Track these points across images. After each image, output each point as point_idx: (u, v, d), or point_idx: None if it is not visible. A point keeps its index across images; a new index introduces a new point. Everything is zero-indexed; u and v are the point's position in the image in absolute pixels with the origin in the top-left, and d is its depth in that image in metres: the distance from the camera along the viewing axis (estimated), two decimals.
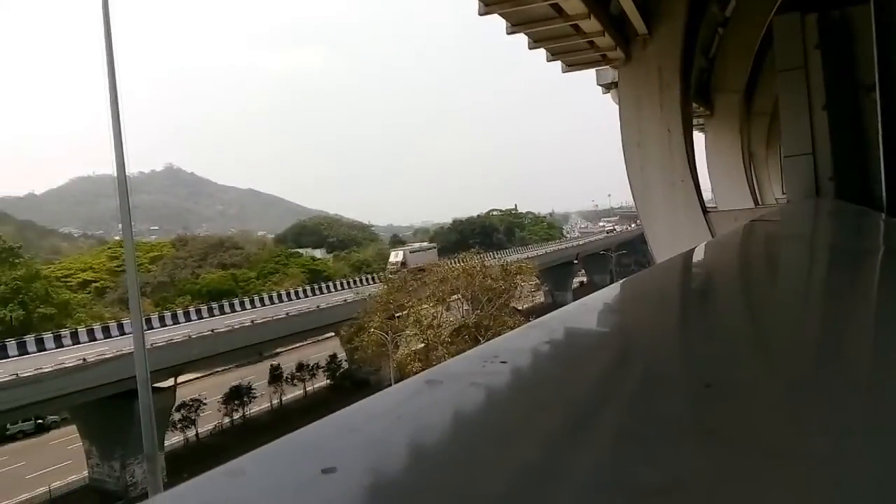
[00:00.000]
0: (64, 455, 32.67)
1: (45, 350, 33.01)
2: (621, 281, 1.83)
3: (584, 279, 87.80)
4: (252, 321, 38.41)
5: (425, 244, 74.69)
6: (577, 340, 1.29)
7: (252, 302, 46.84)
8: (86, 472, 31.03)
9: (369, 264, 79.91)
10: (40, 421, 37.77)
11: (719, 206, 19.59)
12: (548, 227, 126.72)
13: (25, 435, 37.48)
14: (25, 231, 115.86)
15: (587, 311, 1.57)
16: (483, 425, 0.83)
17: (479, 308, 36.25)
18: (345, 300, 44.21)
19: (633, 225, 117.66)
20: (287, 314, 40.88)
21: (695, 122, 18.01)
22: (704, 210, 12.62)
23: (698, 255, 2.50)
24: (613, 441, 0.72)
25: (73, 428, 33.26)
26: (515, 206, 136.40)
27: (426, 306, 35.92)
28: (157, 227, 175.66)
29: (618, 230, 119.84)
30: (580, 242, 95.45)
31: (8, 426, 35.89)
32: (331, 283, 55.82)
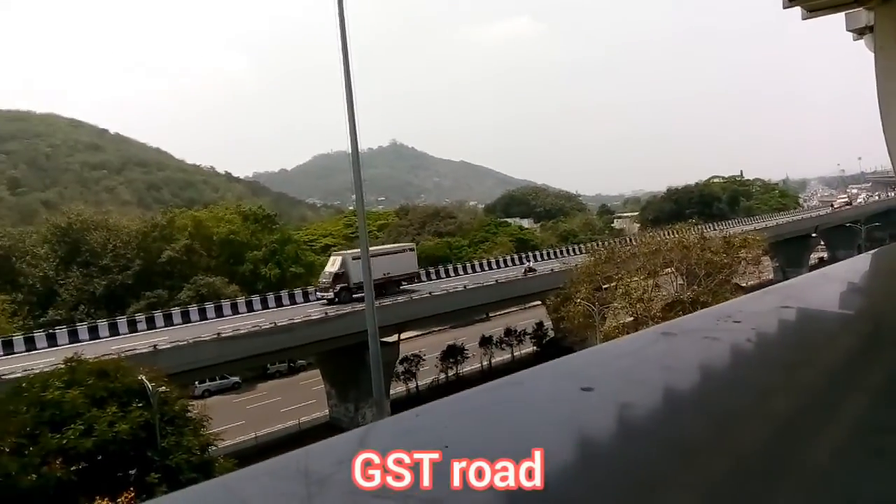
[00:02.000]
0: (309, 395, 38.08)
1: (295, 304, 38.63)
2: (874, 251, 1.75)
3: (825, 255, 77.08)
4: (465, 286, 40.68)
5: (390, 246, 47.46)
6: (815, 313, 1.32)
7: (464, 268, 49.42)
8: (326, 411, 35.91)
9: (576, 234, 79.10)
10: (292, 364, 44.61)
11: None
12: (780, 196, 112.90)
13: (281, 375, 44.53)
14: (280, 202, 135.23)
15: (828, 280, 1.53)
16: (709, 371, 1.00)
17: (696, 283, 34.02)
18: (551, 270, 44.57)
19: (891, 193, 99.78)
20: (496, 281, 42.52)
21: None
22: None
23: None
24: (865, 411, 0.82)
25: (316, 372, 38.61)
26: (741, 172, 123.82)
27: (636, 279, 34.70)
28: (383, 198, 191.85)
29: (862, 200, 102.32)
30: (820, 213, 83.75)
31: (268, 366, 43.05)
32: (538, 253, 56.50)
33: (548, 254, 56.00)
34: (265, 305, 37.76)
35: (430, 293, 38.59)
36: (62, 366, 19.16)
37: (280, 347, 32.24)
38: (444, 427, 0.79)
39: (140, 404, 18.01)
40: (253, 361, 35.25)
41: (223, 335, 29.74)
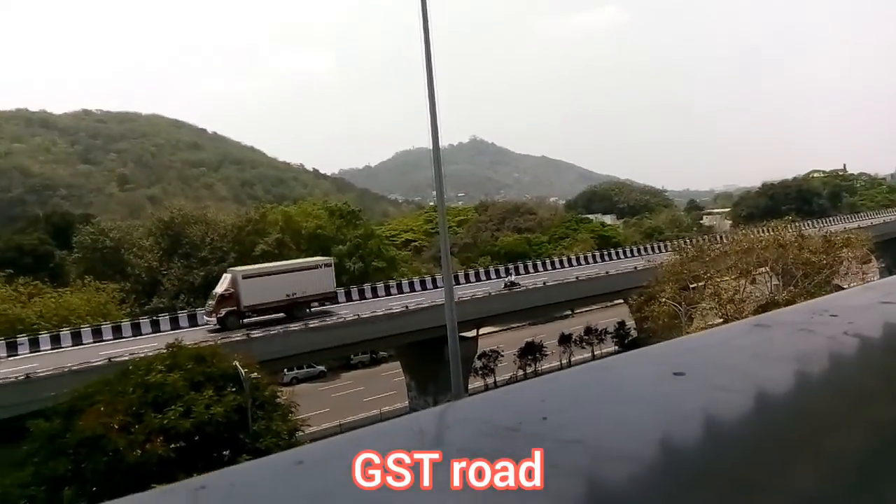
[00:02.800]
0: (390, 386, 38.97)
1: (377, 297, 39.64)
2: None
3: None
4: (544, 283, 40.29)
5: (300, 261, 38.05)
6: None
7: (543, 265, 48.92)
8: (406, 402, 36.65)
9: (661, 231, 76.41)
10: (374, 355, 45.81)
11: None
12: (888, 192, 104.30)
13: (364, 365, 45.83)
14: (363, 197, 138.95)
15: None
16: (803, 365, 0.98)
17: (793, 284, 32.08)
18: (635, 268, 43.32)
19: None
20: (577, 278, 41.83)
21: None
22: None
23: None
24: None
25: (397, 363, 39.45)
26: (844, 166, 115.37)
27: (726, 278, 33.15)
28: (463, 194, 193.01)
29: None
30: None
31: (352, 357, 44.42)
32: (620, 250, 55.06)
33: (631, 251, 54.45)
34: (349, 298, 38.94)
35: (508, 290, 38.46)
36: (164, 351, 20.59)
37: (362, 339, 33.23)
38: (542, 401, 0.85)
39: (234, 389, 19.08)
40: (337, 352, 36.48)
41: (310, 325, 30.97)
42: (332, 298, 35.21)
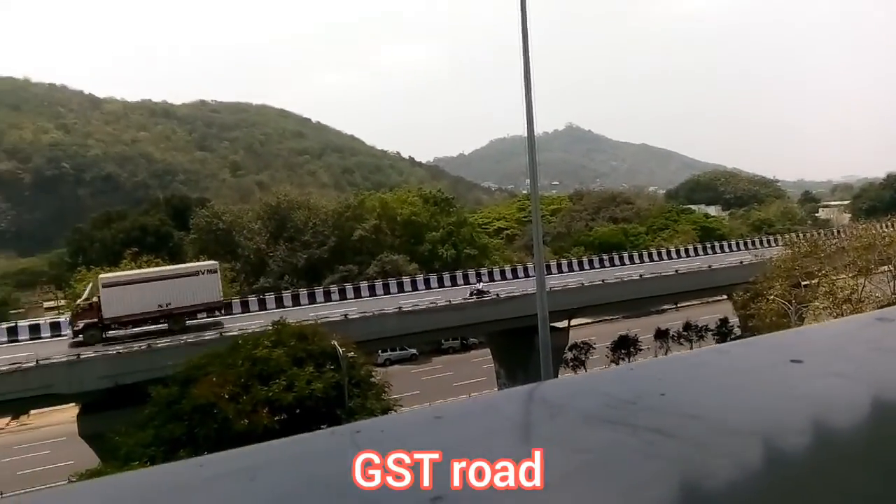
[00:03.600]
0: (480, 372, 39.32)
1: (469, 283, 39.84)
2: None
3: None
4: (640, 276, 39.02)
5: (178, 266, 33.58)
6: None
7: (640, 256, 47.36)
8: (495, 389, 36.90)
9: (771, 224, 71.75)
10: (464, 341, 46.37)
11: None
12: None
13: (454, 351, 46.52)
14: (457, 185, 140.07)
15: None
16: None
17: None
18: (740, 262, 40.98)
19: None
20: (676, 272, 40.17)
21: None
22: None
23: None
24: None
25: (487, 350, 39.71)
26: None
27: (843, 276, 30.71)
28: (557, 183, 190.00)
29: None
30: None
31: (442, 342, 45.20)
32: (725, 243, 52.28)
33: (737, 244, 51.54)
34: (441, 284, 39.55)
35: (602, 281, 37.58)
36: (270, 328, 21.89)
37: (453, 325, 33.74)
38: (660, 379, 0.92)
39: (332, 367, 19.99)
40: (428, 336, 37.23)
41: (404, 309, 31.81)
42: (218, 308, 30.88)
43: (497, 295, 34.09)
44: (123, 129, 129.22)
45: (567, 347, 36.67)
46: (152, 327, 29.05)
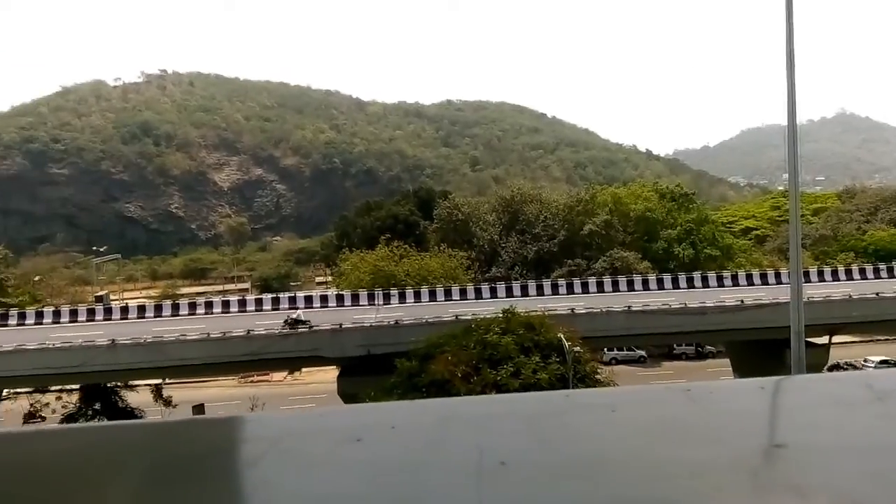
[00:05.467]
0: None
1: (707, 287, 37.11)
2: None
3: None
4: None
5: None
6: None
7: None
8: None
9: None
10: (700, 348, 43.24)
11: None
12: None
13: (687, 357, 43.64)
14: (699, 179, 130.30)
15: None
16: None
17: None
18: None
19: None
20: None
21: None
22: None
23: None
24: None
25: (725, 361, 36.58)
26: None
27: None
28: (822, 178, 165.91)
29: None
30: None
31: (675, 346, 42.73)
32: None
33: None
34: (675, 285, 37.35)
35: (876, 294, 31.99)
36: (500, 315, 23.03)
37: (687, 330, 31.70)
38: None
39: (557, 359, 20.39)
40: (658, 339, 35.55)
41: (633, 308, 30.86)
42: None
43: (310, 327, 29.26)
44: (382, 128, 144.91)
45: (826, 367, 32.13)
46: None
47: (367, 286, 37.50)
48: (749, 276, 38.03)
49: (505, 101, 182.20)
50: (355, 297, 35.55)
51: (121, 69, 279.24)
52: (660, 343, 39.20)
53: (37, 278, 53.97)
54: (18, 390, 31.40)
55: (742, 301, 31.24)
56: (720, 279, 37.72)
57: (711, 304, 31.15)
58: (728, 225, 61.28)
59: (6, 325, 33.52)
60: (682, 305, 31.08)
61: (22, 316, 34.72)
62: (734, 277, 37.87)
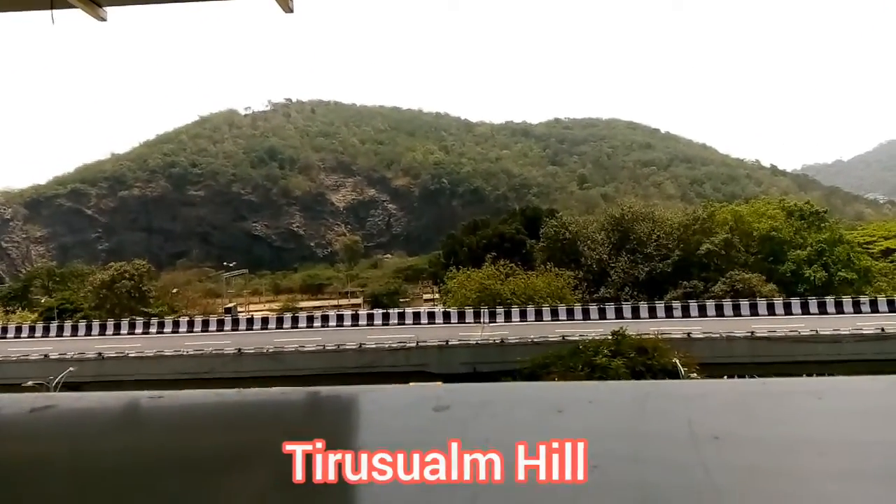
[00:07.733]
0: None
1: (842, 313, 33.97)
2: None
3: None
4: None
5: None
6: None
7: None
8: None
9: None
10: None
11: None
12: None
13: None
14: (831, 196, 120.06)
15: None
16: None
17: None
18: None
19: None
20: None
21: None
22: None
23: None
24: None
25: None
26: None
27: None
28: None
29: None
30: None
31: (804, 376, 39.35)
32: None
33: None
34: (805, 310, 34.56)
35: None
36: (609, 337, 22.41)
37: (819, 359, 29.12)
38: None
39: None
40: (787, 368, 32.82)
41: (756, 334, 28.89)
42: None
43: None
44: (489, 148, 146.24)
45: None
46: None
47: (473, 304, 37.84)
48: (891, 302, 34.45)
49: (616, 118, 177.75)
50: (461, 315, 36.01)
51: (250, 98, 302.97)
52: (789, 373, 36.21)
53: (174, 290, 59.28)
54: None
55: (883, 329, 28.32)
56: (856, 304, 34.51)
57: (847, 332, 28.49)
58: (865, 246, 55.85)
59: (148, 333, 37.13)
60: (814, 332, 28.68)
61: (161, 325, 38.30)
62: (873, 303, 34.47)
